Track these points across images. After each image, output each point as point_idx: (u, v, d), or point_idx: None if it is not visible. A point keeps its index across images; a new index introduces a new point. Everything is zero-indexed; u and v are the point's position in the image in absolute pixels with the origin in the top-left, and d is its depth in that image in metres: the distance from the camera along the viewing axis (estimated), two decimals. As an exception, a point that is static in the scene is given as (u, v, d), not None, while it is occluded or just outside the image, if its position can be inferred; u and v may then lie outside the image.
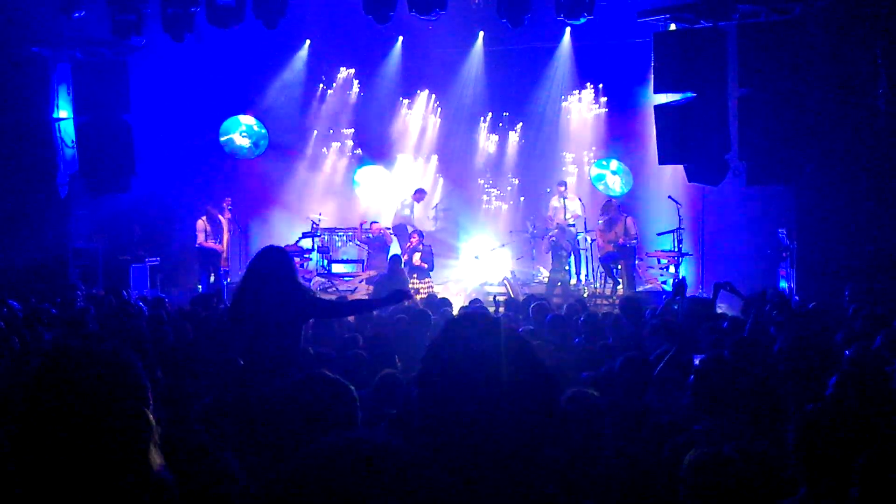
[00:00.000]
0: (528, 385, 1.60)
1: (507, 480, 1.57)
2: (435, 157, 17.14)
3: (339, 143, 16.84)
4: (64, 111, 12.79)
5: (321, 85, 16.48)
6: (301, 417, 2.88)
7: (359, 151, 16.97)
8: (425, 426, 1.64)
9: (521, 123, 16.80)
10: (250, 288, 5.18)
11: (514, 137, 16.99)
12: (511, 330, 1.68)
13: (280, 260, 5.24)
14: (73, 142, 12.64)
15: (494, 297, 10.73)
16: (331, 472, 1.24)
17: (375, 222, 15.01)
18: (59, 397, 1.75)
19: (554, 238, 13.92)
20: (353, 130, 16.87)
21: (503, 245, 15.00)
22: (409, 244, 13.80)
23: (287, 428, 2.92)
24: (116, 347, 1.90)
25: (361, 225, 14.97)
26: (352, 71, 16.54)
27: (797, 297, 10.78)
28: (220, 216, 13.80)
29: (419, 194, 15.54)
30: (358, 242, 14.96)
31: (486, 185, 17.05)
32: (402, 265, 13.07)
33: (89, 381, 1.78)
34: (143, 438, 1.82)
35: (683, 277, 7.54)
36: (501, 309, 9.22)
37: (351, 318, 8.11)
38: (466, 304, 9.70)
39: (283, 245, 5.72)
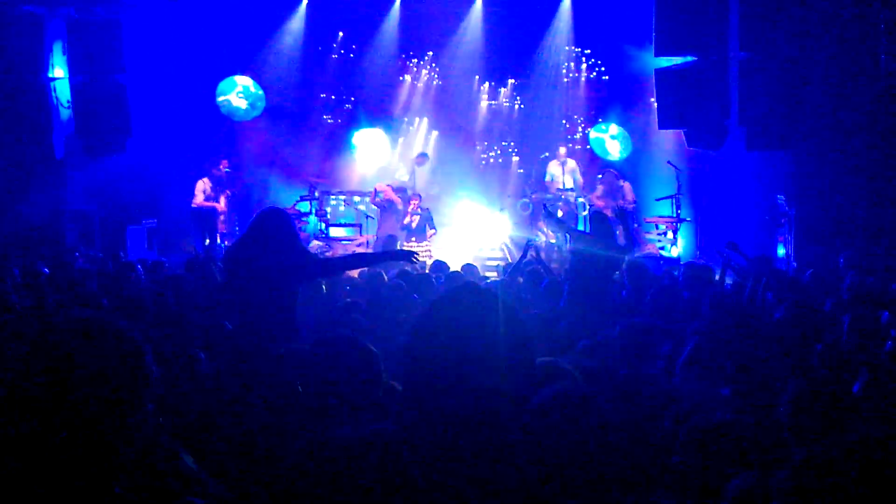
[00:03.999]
0: (512, 360, 1.61)
1: (487, 452, 1.59)
2: (433, 120, 17.01)
3: (336, 105, 16.68)
4: (60, 69, 12.63)
5: (319, 45, 16.28)
6: (327, 378, 2.88)
7: (349, 107, 16.68)
8: (409, 397, 1.65)
9: (520, 86, 16.66)
10: (247, 249, 5.15)
11: (512, 100, 16.86)
12: (502, 303, 1.68)
13: (279, 222, 5.20)
14: (68, 101, 12.50)
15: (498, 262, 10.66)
16: (334, 465, 1.26)
17: (390, 185, 14.54)
18: (56, 369, 1.75)
19: (549, 206, 13.84)
20: (350, 92, 16.69)
21: (502, 209, 14.93)
22: (410, 207, 13.70)
23: (314, 389, 2.92)
24: (113, 317, 1.89)
25: (376, 189, 14.65)
26: (350, 31, 16.32)
27: (794, 264, 10.80)
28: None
29: (421, 158, 15.29)
30: (373, 206, 14.51)
31: (484, 148, 16.95)
32: (403, 230, 13.01)
33: (86, 354, 1.78)
34: (139, 409, 1.82)
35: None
36: (497, 275, 9.20)
37: (355, 274, 8.09)
38: (460, 270, 9.66)
39: (280, 208, 5.68)
